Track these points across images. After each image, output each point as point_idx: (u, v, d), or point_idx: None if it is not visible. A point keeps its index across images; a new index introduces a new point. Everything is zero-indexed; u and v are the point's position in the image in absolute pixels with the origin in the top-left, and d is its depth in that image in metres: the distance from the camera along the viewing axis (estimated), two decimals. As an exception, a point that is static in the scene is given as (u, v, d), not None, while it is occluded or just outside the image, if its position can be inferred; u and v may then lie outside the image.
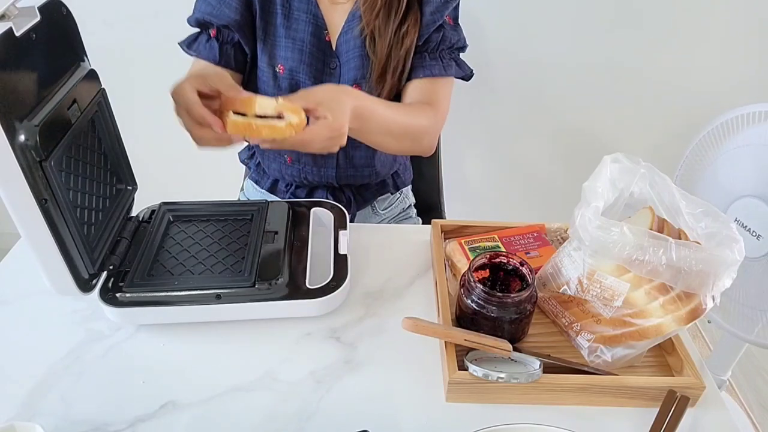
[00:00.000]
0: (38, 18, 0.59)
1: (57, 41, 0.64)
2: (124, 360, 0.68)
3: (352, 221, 1.06)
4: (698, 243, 0.63)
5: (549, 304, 0.73)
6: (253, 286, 0.70)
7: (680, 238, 0.65)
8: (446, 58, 0.94)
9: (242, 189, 1.21)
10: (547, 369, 0.64)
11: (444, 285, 0.75)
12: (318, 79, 0.94)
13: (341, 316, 0.74)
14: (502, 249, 0.81)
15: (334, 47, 0.93)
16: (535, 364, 0.64)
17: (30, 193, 0.57)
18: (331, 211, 0.85)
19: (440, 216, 1.26)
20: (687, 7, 1.39)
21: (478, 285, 0.66)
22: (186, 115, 0.69)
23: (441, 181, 1.27)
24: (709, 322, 1.20)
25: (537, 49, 1.46)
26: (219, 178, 1.38)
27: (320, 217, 0.86)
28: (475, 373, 0.62)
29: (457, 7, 0.94)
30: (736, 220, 1.06)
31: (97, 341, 0.70)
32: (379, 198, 1.11)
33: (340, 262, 0.76)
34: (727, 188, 1.08)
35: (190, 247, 0.76)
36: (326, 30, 0.92)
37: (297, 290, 0.72)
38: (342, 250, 0.78)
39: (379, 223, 1.13)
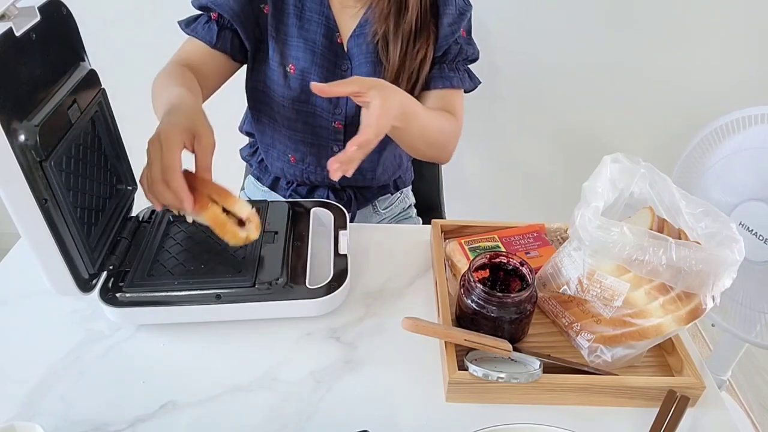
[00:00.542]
0: (38, 18, 0.59)
1: (57, 41, 0.64)
2: (124, 360, 0.68)
3: (352, 220, 1.06)
4: (698, 243, 0.63)
5: (549, 304, 0.73)
6: (253, 286, 0.70)
7: (680, 238, 0.65)
8: (461, 69, 0.95)
9: (243, 188, 1.21)
10: (547, 369, 0.64)
11: (444, 285, 0.75)
12: (329, 80, 0.93)
13: (341, 316, 0.74)
14: (502, 249, 0.81)
15: (345, 50, 0.93)
16: (535, 364, 0.64)
17: (30, 193, 0.57)
18: (331, 211, 0.85)
19: (440, 216, 1.26)
20: (687, 7, 1.39)
21: (478, 285, 0.66)
22: (158, 169, 0.64)
23: (441, 181, 1.27)
24: (712, 325, 1.19)
25: (537, 49, 1.46)
26: (219, 176, 1.37)
27: (320, 217, 0.86)
28: (475, 373, 0.62)
29: (470, 20, 0.95)
30: (741, 223, 1.06)
31: (97, 341, 0.70)
32: (379, 198, 1.11)
33: (340, 262, 0.76)
34: (730, 191, 1.07)
35: (190, 247, 0.76)
36: (338, 32, 0.92)
37: (297, 290, 0.72)
38: (342, 250, 0.78)
39: (379, 222, 1.13)
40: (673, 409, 0.61)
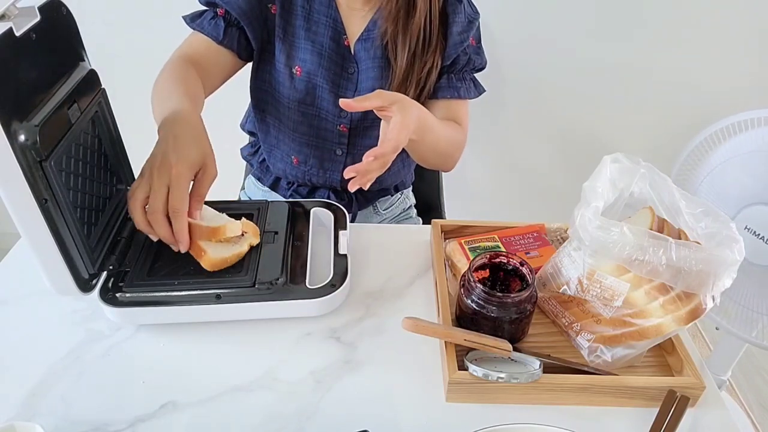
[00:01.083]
0: (38, 18, 0.59)
1: (57, 41, 0.64)
2: (124, 360, 0.68)
3: (353, 221, 1.06)
4: (698, 243, 0.63)
5: (549, 304, 0.73)
6: (253, 286, 0.70)
7: (680, 238, 0.65)
8: (467, 79, 0.96)
9: (243, 188, 1.21)
10: (547, 369, 0.64)
11: (444, 285, 0.75)
12: (335, 83, 0.94)
13: (341, 316, 0.74)
14: (502, 249, 0.81)
15: (352, 52, 0.93)
16: (535, 364, 0.64)
17: (30, 193, 0.57)
18: (331, 211, 0.85)
19: (440, 216, 1.26)
20: (688, 7, 1.39)
21: (478, 285, 0.66)
22: (161, 202, 0.65)
23: (441, 181, 1.28)
24: (717, 329, 1.19)
25: (538, 50, 1.46)
26: (219, 176, 1.38)
27: (320, 217, 0.86)
28: (475, 373, 0.62)
29: (478, 28, 0.96)
30: (746, 227, 1.05)
31: (97, 341, 0.70)
32: (380, 199, 1.11)
33: (340, 262, 0.76)
34: (734, 195, 1.06)
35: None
36: (345, 35, 0.92)
37: (297, 290, 0.72)
38: (342, 250, 0.78)
39: (379, 223, 1.13)
40: (673, 409, 0.61)
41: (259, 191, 1.13)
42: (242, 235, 0.74)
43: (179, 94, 0.78)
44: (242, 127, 1.12)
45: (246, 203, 0.96)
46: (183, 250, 0.69)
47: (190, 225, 0.70)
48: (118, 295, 0.69)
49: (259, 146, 1.09)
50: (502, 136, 1.64)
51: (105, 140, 0.74)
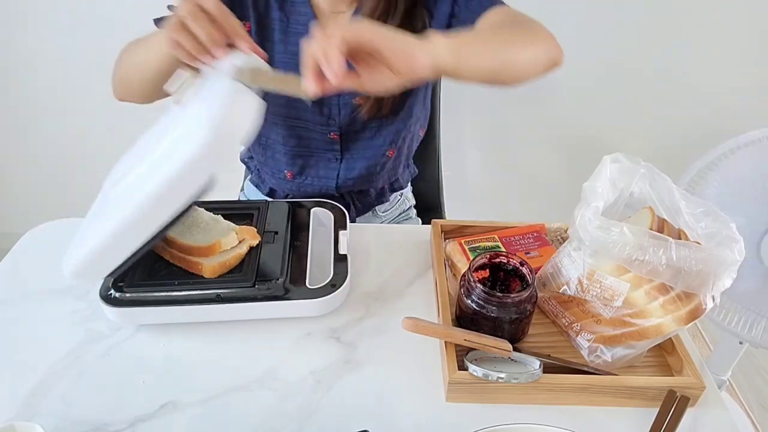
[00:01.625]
0: None
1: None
2: (124, 360, 0.68)
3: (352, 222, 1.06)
4: (698, 243, 0.63)
5: (549, 304, 0.73)
6: (253, 286, 0.70)
7: (680, 238, 0.65)
8: None
9: (242, 189, 1.21)
10: (547, 369, 0.64)
11: (444, 285, 0.75)
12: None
13: (341, 316, 0.74)
14: (502, 249, 0.81)
15: None
16: (535, 364, 0.64)
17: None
18: (331, 211, 0.85)
19: (440, 216, 1.26)
20: (690, 7, 1.39)
21: (478, 285, 0.66)
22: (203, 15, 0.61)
23: (441, 181, 1.27)
24: (740, 343, 1.19)
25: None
26: (219, 177, 1.38)
27: (320, 217, 0.86)
28: (475, 373, 0.62)
29: None
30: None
31: (97, 341, 0.70)
32: (378, 204, 1.11)
33: (340, 262, 0.76)
34: (755, 219, 1.03)
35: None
36: None
37: (297, 290, 0.72)
38: (342, 250, 0.78)
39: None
40: (673, 409, 0.61)
41: (258, 195, 1.12)
42: (242, 242, 0.74)
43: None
44: None
45: (246, 203, 0.96)
46: (220, 55, 0.63)
47: (183, 245, 0.71)
48: (118, 295, 0.69)
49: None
50: (503, 136, 1.64)
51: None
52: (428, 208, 1.26)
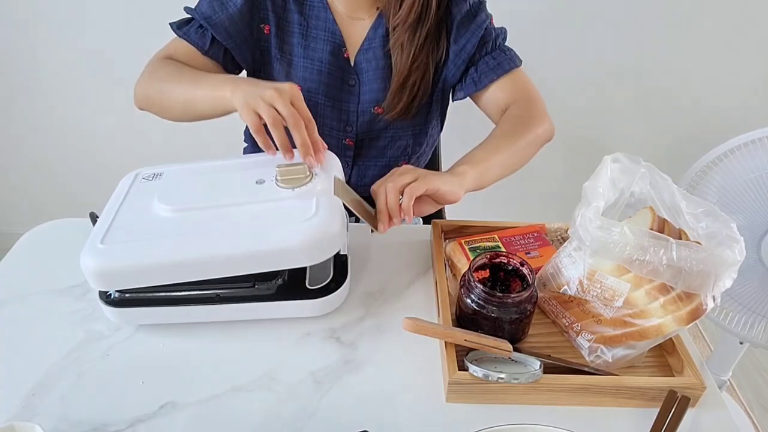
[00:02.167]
0: None
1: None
2: (123, 360, 0.68)
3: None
4: (699, 243, 0.63)
5: (549, 304, 0.73)
6: (253, 286, 0.70)
7: (681, 238, 0.65)
8: (504, 50, 0.93)
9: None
10: (548, 369, 0.64)
11: (444, 285, 0.75)
12: (337, 98, 0.93)
13: (341, 316, 0.74)
14: (502, 249, 0.81)
15: (352, 63, 0.92)
16: (536, 364, 0.64)
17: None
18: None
19: (440, 216, 1.25)
20: (690, 7, 1.39)
21: (479, 285, 0.66)
22: (293, 113, 0.69)
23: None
24: (741, 343, 1.19)
25: (538, 49, 1.46)
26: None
27: (320, 217, 0.86)
28: (475, 374, 0.62)
29: (485, 7, 0.93)
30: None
31: (97, 341, 0.70)
32: None
33: (340, 262, 0.76)
34: (755, 219, 1.03)
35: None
36: (344, 47, 0.91)
37: (297, 290, 0.72)
38: (342, 250, 0.78)
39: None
40: (673, 409, 0.61)
41: None
42: None
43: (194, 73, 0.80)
44: (245, 139, 1.11)
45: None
46: (321, 162, 0.71)
47: None
48: (117, 295, 0.69)
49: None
50: (503, 136, 1.63)
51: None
52: (428, 208, 1.25)
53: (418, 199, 0.73)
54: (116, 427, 0.60)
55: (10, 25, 1.48)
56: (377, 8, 0.90)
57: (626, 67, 1.49)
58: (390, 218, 0.73)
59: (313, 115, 0.92)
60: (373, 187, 0.76)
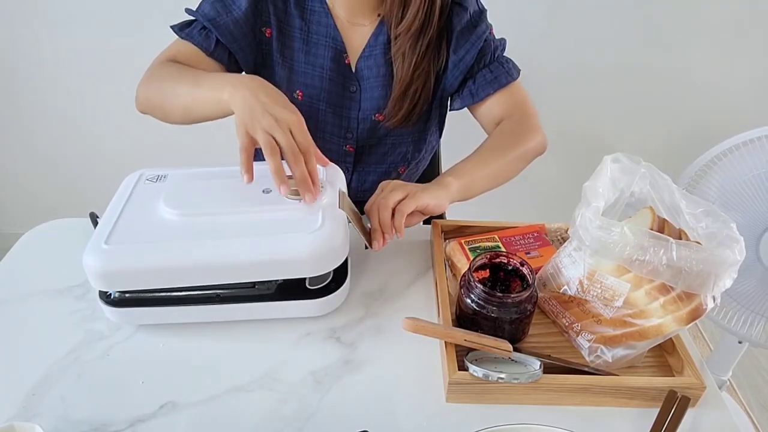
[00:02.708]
0: None
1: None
2: (123, 360, 0.68)
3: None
4: (699, 243, 0.63)
5: (549, 304, 0.73)
6: (253, 286, 0.70)
7: (681, 238, 0.65)
8: (503, 63, 0.94)
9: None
10: (548, 369, 0.64)
11: (444, 285, 0.75)
12: (338, 104, 0.93)
13: (341, 316, 0.74)
14: (502, 249, 0.81)
15: (354, 70, 0.92)
16: (536, 364, 0.64)
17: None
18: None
19: (440, 216, 1.25)
20: (690, 7, 1.39)
21: (479, 285, 0.66)
22: (293, 147, 0.67)
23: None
24: (740, 343, 1.19)
25: (538, 49, 1.46)
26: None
27: (320, 217, 0.86)
28: (475, 374, 0.62)
29: (485, 16, 0.94)
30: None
31: (97, 341, 0.70)
32: None
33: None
34: (755, 219, 1.03)
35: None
36: (345, 53, 0.91)
37: (297, 290, 0.72)
38: (342, 251, 0.78)
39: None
40: (673, 409, 0.61)
41: None
42: None
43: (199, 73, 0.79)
44: None
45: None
46: (313, 200, 0.69)
47: None
48: (117, 295, 0.69)
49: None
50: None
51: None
52: (428, 208, 1.25)
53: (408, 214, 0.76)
54: (116, 427, 0.60)
55: (12, 24, 1.48)
56: (378, 15, 0.90)
57: (626, 67, 1.49)
58: (383, 236, 0.75)
59: (314, 121, 0.93)
60: (366, 206, 0.77)
